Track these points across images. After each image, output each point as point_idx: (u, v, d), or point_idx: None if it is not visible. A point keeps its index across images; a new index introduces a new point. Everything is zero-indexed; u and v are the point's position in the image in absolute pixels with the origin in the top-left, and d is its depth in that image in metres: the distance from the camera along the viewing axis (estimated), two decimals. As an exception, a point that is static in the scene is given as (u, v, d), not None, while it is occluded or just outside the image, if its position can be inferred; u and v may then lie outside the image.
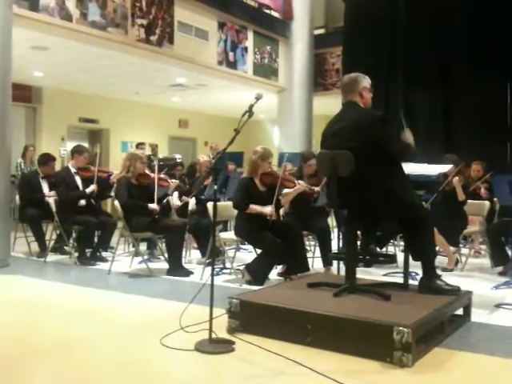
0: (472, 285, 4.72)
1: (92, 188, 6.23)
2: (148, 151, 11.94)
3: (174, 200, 6.67)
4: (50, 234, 6.84)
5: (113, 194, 6.19)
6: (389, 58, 10.35)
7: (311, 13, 11.60)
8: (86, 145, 11.35)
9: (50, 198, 6.34)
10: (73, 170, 6.43)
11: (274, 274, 5.26)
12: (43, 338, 3.44)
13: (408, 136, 3.88)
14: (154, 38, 8.65)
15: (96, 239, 6.35)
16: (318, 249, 5.76)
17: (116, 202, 5.61)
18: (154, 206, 5.56)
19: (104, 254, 6.41)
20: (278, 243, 4.86)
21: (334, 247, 5.71)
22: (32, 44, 7.94)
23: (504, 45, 8.99)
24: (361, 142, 3.54)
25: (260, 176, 5.14)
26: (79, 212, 6.18)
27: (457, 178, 5.80)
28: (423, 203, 4.46)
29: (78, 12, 7.52)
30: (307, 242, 7.06)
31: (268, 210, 4.99)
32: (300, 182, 5.34)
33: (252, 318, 3.42)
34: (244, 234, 5.11)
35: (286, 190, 5.26)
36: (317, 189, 5.50)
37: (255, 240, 5.10)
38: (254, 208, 5.00)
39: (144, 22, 8.48)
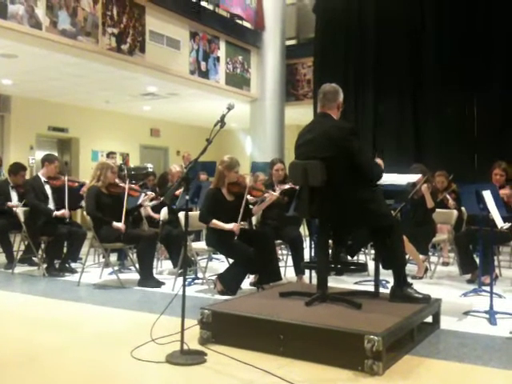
0: (441, 292, 4.81)
1: (62, 212, 6.08)
2: (119, 160, 11.84)
3: (149, 210, 6.61)
4: (18, 244, 6.71)
5: (83, 204, 6.11)
6: (359, 68, 10.50)
7: (283, 23, 11.72)
8: (55, 154, 11.17)
9: (18, 208, 6.21)
10: (43, 179, 6.32)
11: (247, 284, 5.25)
12: (11, 350, 3.36)
13: (379, 161, 3.96)
14: (125, 47, 8.61)
15: (65, 250, 6.25)
16: (290, 258, 5.78)
17: (85, 212, 5.54)
18: (119, 225, 5.40)
19: (73, 265, 6.30)
20: (249, 252, 4.85)
21: (307, 256, 5.74)
22: (0, 51, 7.81)
23: (472, 57, 9.21)
24: (332, 153, 3.58)
25: (227, 186, 5.14)
26: (48, 222, 6.07)
27: (425, 185, 5.90)
28: (392, 212, 4.52)
29: (48, 20, 7.43)
30: (279, 251, 7.09)
31: (231, 226, 4.91)
32: (271, 192, 5.33)
33: (224, 329, 3.41)
34: (215, 244, 5.09)
35: (255, 208, 5.26)
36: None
37: (226, 250, 5.09)
38: (217, 224, 4.95)
39: (115, 30, 8.43)
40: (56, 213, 6.09)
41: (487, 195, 4.21)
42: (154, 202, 6.48)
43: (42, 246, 6.45)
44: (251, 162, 11.03)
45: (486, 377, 3.00)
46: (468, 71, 9.23)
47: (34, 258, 6.63)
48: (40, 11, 7.34)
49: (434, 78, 9.60)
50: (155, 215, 6.52)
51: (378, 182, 3.80)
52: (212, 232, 5.08)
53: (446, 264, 6.96)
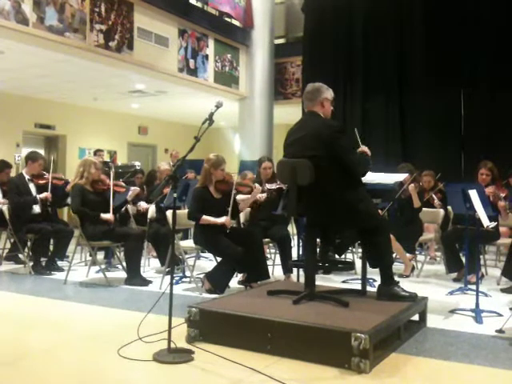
0: (427, 291, 4.84)
1: (45, 194, 6.06)
2: (106, 158, 11.78)
3: (142, 204, 6.59)
4: (4, 242, 6.65)
5: (69, 201, 6.07)
6: (347, 67, 10.53)
7: (271, 22, 11.72)
8: (41, 151, 11.10)
9: (4, 205, 6.16)
10: (27, 177, 6.27)
11: (235, 283, 5.25)
12: (-4, 351, 3.33)
13: (365, 149, 3.96)
14: (113, 44, 8.55)
15: (52, 248, 6.20)
16: (278, 256, 5.78)
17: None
18: (107, 216, 5.42)
19: (60, 263, 6.26)
20: (237, 251, 4.84)
21: (294, 255, 5.75)
22: (-14, 48, 7.73)
23: (459, 55, 9.27)
24: (320, 152, 3.59)
25: (214, 184, 5.13)
26: (34, 220, 6.03)
27: (412, 185, 5.94)
28: (380, 211, 4.54)
29: (35, 16, 7.36)
30: (267, 250, 7.09)
31: (222, 220, 4.93)
32: (256, 185, 5.33)
33: (212, 327, 3.41)
34: (203, 242, 5.08)
35: (241, 197, 5.25)
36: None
37: (214, 248, 5.08)
38: (207, 219, 4.94)
39: (103, 27, 8.37)
40: (40, 196, 6.04)
41: (473, 194, 4.24)
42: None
43: (28, 243, 6.40)
44: (240, 161, 11.03)
45: (471, 374, 3.03)
46: (456, 70, 9.28)
47: (19, 256, 6.58)
48: (27, 7, 7.26)
49: (422, 77, 9.65)
50: (145, 206, 6.51)
51: (365, 181, 3.81)
52: (200, 230, 5.07)
53: (433, 259, 7.02)
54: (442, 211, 6.25)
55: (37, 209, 6.17)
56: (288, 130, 3.96)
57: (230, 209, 5.01)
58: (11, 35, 7.23)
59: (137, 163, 9.87)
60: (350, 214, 3.63)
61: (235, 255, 4.85)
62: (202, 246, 5.17)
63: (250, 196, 5.25)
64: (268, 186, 5.73)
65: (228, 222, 4.95)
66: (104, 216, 5.41)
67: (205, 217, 4.94)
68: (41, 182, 6.26)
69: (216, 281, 4.91)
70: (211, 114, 3.34)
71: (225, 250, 4.90)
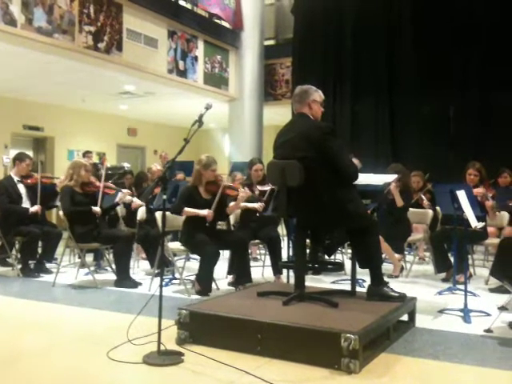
0: (416, 291, 4.86)
1: (36, 208, 6.03)
2: (95, 160, 11.72)
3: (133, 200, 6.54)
4: (-8, 245, 6.59)
5: (58, 203, 6.04)
6: (337, 69, 10.58)
7: (261, 24, 11.75)
8: (30, 153, 11.00)
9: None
10: (15, 179, 6.24)
11: (225, 284, 5.24)
12: (-17, 354, 3.30)
13: (355, 161, 4.00)
14: (102, 45, 8.52)
15: (40, 250, 6.16)
16: (268, 257, 5.78)
17: (61, 212, 5.50)
18: (97, 208, 5.49)
19: (48, 265, 6.22)
20: (212, 248, 4.86)
21: (284, 256, 5.75)
22: (-27, 49, 7.67)
23: (449, 57, 9.34)
24: (310, 153, 3.60)
25: (205, 185, 5.14)
26: (22, 222, 5.98)
27: (393, 184, 5.92)
28: (368, 212, 4.56)
29: (23, 17, 7.31)
30: (257, 251, 7.09)
31: (204, 212, 4.95)
32: (244, 189, 5.33)
33: (202, 329, 3.40)
34: (185, 239, 5.11)
35: (230, 207, 5.27)
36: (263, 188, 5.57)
37: (191, 243, 5.07)
38: (189, 211, 4.98)
39: (92, 28, 8.34)
40: (31, 209, 6.01)
41: (461, 195, 4.27)
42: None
43: (16, 245, 6.35)
44: (230, 162, 11.03)
45: (460, 374, 3.05)
46: (445, 70, 9.34)
47: (7, 259, 6.52)
48: (15, 8, 7.21)
49: (411, 77, 9.71)
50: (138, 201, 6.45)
51: (355, 182, 3.82)
52: (183, 229, 5.12)
53: (422, 259, 7.05)
54: (430, 211, 6.28)
55: (27, 204, 6.14)
56: (278, 132, 3.97)
57: (214, 202, 5.02)
58: (-1, 36, 7.19)
59: (126, 164, 9.82)
60: (340, 215, 3.64)
61: (208, 252, 4.86)
62: (184, 244, 5.15)
63: (238, 201, 5.24)
64: (259, 187, 5.73)
65: (210, 215, 4.96)
66: (94, 209, 5.47)
67: (187, 209, 5.00)
68: (30, 182, 6.24)
69: (201, 281, 4.92)
70: (201, 116, 3.35)
71: (199, 245, 4.92)
